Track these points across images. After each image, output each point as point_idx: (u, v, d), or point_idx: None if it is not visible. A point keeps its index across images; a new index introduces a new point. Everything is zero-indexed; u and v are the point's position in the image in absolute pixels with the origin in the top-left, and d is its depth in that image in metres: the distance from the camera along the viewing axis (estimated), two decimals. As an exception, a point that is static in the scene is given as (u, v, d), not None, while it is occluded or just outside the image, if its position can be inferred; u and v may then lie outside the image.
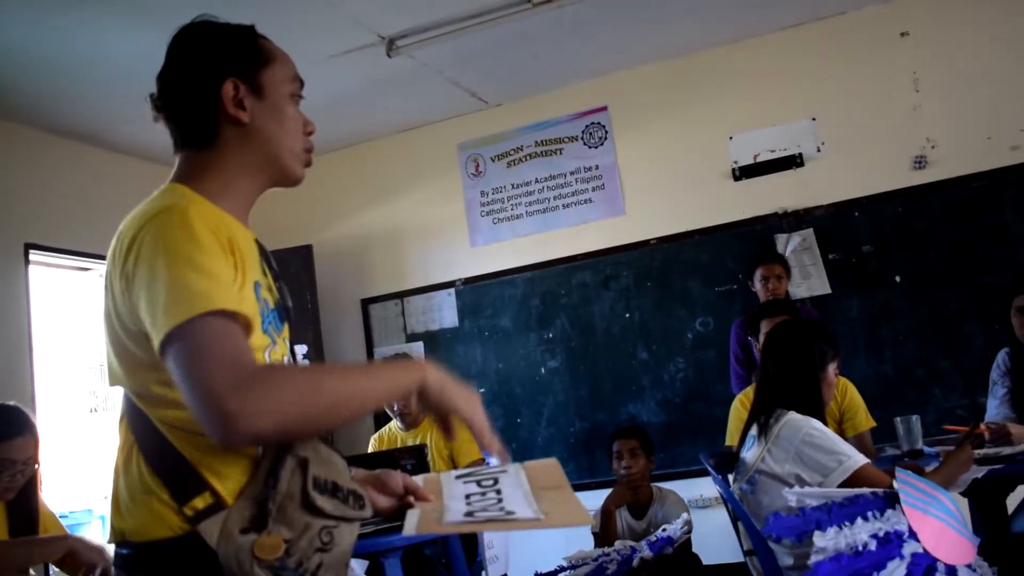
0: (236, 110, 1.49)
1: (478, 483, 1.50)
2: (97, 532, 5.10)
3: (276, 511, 1.31)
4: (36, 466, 3.12)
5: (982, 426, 3.08)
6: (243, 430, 1.20)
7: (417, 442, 4.33)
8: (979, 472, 2.66)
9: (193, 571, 1.30)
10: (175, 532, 1.32)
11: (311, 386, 1.28)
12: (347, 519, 1.38)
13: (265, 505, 1.31)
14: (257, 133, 1.51)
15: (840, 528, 2.38)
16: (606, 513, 4.15)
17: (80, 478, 5.33)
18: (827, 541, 2.35)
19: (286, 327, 1.56)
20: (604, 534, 4.09)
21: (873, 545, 2.35)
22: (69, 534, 3.13)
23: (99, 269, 5.32)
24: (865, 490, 2.49)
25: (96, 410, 5.62)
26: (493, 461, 1.61)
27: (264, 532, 1.29)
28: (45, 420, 4.79)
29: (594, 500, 4.58)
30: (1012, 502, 3.41)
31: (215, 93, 1.48)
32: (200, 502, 1.31)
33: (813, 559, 2.34)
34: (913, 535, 2.39)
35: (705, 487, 5.03)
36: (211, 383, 1.21)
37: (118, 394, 1.44)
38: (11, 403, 3.13)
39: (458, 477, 1.55)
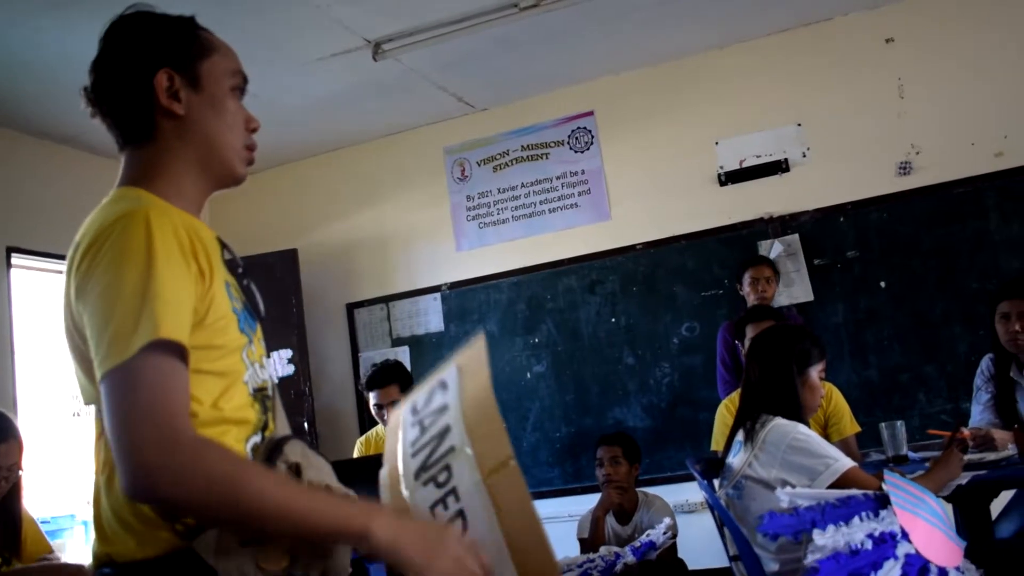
0: (170, 102, 1.43)
1: (435, 482, 1.35)
2: (80, 537, 5.07)
3: None
4: (20, 473, 3.08)
5: (964, 431, 3.10)
6: (154, 489, 1.17)
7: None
8: (963, 478, 2.68)
9: None
10: (166, 550, 1.26)
11: (236, 481, 1.19)
12: None
13: None
14: (194, 126, 1.45)
15: (838, 527, 2.39)
16: (595, 520, 4.15)
17: (63, 483, 5.30)
18: (826, 539, 2.35)
19: (259, 327, 1.50)
20: (592, 540, 4.09)
21: (869, 545, 2.36)
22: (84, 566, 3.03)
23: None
24: (856, 492, 2.50)
25: (79, 414, 5.59)
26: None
27: (266, 543, 1.25)
28: (27, 424, 4.76)
29: (578, 505, 4.59)
30: (996, 508, 3.43)
31: (148, 84, 1.42)
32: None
33: (811, 558, 2.34)
34: (905, 536, 2.41)
35: (691, 492, 5.04)
36: (138, 433, 1.17)
37: (91, 414, 1.38)
38: None
39: (416, 475, 1.38)
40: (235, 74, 1.52)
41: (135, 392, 1.19)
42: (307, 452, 1.37)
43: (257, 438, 1.39)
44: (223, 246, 1.48)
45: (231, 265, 1.48)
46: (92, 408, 1.37)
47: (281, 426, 1.48)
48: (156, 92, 1.42)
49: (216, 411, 1.33)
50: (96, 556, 1.33)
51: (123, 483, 1.18)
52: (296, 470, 1.31)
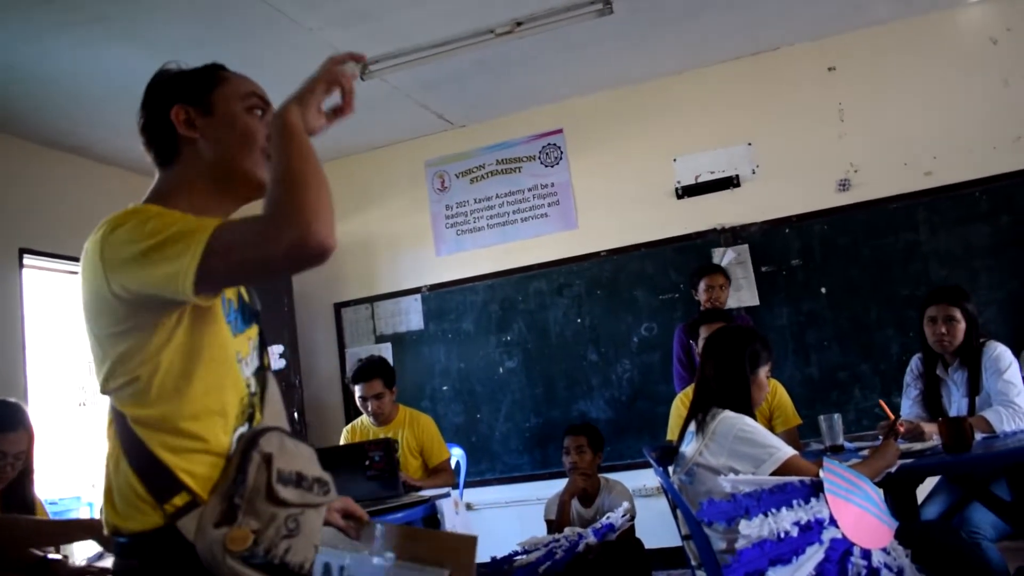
0: (187, 130, 1.53)
1: None
2: (85, 517, 5.02)
3: (245, 505, 1.34)
4: (30, 461, 3.06)
5: (902, 422, 3.15)
6: (326, 245, 1.27)
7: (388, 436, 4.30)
8: (892, 466, 2.71)
9: (176, 556, 1.35)
10: (158, 525, 1.36)
11: (315, 178, 1.30)
12: (312, 505, 1.42)
13: (234, 500, 1.35)
14: (211, 145, 1.54)
15: (765, 516, 2.41)
16: (562, 504, 4.16)
17: (69, 467, 5.25)
18: (752, 529, 2.37)
19: (254, 328, 1.58)
20: (558, 522, 4.10)
21: (795, 532, 2.38)
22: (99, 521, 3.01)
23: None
24: (793, 479, 2.52)
25: (84, 404, 5.54)
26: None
27: (235, 525, 1.33)
28: (37, 413, 4.70)
29: (546, 490, 4.60)
30: (922, 492, 3.48)
31: (167, 118, 1.53)
32: (179, 500, 1.36)
33: (738, 545, 2.37)
34: (833, 522, 2.43)
35: (648, 478, 5.06)
36: (281, 238, 1.25)
37: (106, 403, 1.47)
38: (10, 400, 3.07)
39: None
40: (249, 96, 1.60)
41: (237, 237, 1.28)
42: (284, 442, 1.43)
43: (244, 428, 1.46)
44: None
45: None
46: (105, 399, 1.45)
47: (270, 415, 1.54)
48: (175, 123, 1.53)
49: (198, 404, 1.41)
50: (108, 524, 1.43)
51: (309, 261, 1.30)
52: (268, 460, 1.38)
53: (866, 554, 2.40)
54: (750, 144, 5.46)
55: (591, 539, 3.69)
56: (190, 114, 1.53)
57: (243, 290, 1.58)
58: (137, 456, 1.38)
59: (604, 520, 3.81)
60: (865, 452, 2.96)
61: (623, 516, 3.83)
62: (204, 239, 1.27)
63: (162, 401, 1.38)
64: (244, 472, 1.36)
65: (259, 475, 1.36)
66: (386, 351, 6.08)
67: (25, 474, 3.06)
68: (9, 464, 2.94)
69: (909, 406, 3.59)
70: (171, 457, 1.37)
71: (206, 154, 1.53)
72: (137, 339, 1.37)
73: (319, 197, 1.27)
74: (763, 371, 2.89)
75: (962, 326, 3.38)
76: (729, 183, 5.45)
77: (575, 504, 4.21)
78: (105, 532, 1.44)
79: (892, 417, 3.00)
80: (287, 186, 1.27)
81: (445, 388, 5.98)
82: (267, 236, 1.25)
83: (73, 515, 4.92)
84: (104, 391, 1.44)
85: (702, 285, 4.76)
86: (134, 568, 1.40)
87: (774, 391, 3.92)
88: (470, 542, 1.68)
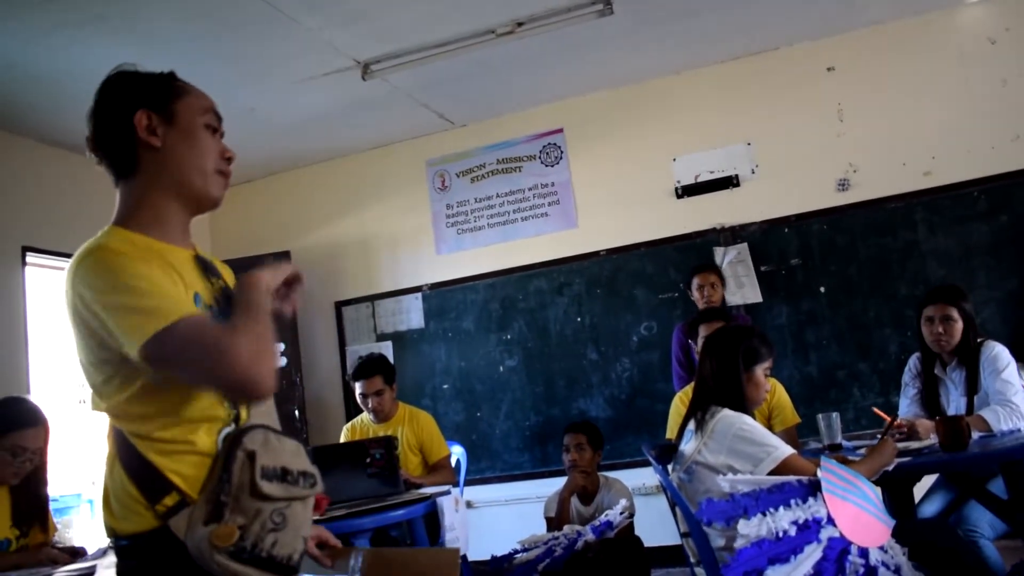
0: (148, 136, 1.53)
1: None
2: (86, 515, 5.04)
3: (232, 502, 1.39)
4: (45, 457, 3.12)
5: (900, 420, 3.15)
6: (265, 387, 1.35)
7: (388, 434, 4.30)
8: (889, 464, 2.72)
9: (172, 556, 1.39)
10: (152, 526, 1.41)
11: (263, 335, 1.39)
12: (297, 498, 1.46)
13: (220, 498, 1.39)
14: (170, 155, 1.55)
15: (764, 515, 2.41)
16: (561, 501, 4.17)
17: (70, 465, 5.26)
18: (750, 528, 2.38)
19: None
20: (557, 520, 4.10)
21: (793, 531, 2.39)
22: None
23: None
24: (791, 478, 2.52)
25: (85, 402, 5.54)
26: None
27: (222, 522, 1.37)
28: (38, 410, 4.70)
29: (545, 487, 4.59)
30: (919, 491, 3.48)
31: (129, 123, 1.53)
32: (169, 500, 1.40)
33: (737, 544, 2.37)
34: (831, 521, 2.43)
35: (647, 476, 5.07)
36: (221, 367, 1.31)
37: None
38: (25, 396, 3.13)
39: None
40: (207, 112, 1.61)
41: (185, 344, 1.33)
42: (267, 438, 1.46)
43: (229, 428, 1.50)
44: (204, 265, 1.60)
45: (212, 275, 1.61)
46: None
47: (256, 412, 1.57)
48: (136, 129, 1.53)
49: (181, 416, 1.45)
50: (106, 527, 1.48)
51: (243, 398, 1.45)
52: (252, 457, 1.41)
53: (864, 552, 2.41)
54: (749, 144, 5.46)
55: (590, 537, 3.70)
56: (152, 120, 1.54)
57: (220, 295, 1.60)
58: (129, 459, 1.43)
59: (603, 518, 3.81)
60: (863, 451, 2.97)
61: (622, 514, 3.84)
62: (174, 317, 1.33)
63: (149, 419, 1.43)
64: (229, 471, 1.40)
65: (243, 472, 1.40)
66: (387, 349, 6.08)
67: (39, 469, 3.11)
68: (28, 459, 3.02)
69: (907, 405, 3.59)
70: (160, 459, 1.42)
71: (164, 165, 1.55)
72: (114, 368, 1.42)
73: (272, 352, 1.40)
74: (760, 368, 2.89)
75: (959, 326, 3.38)
76: (728, 183, 5.46)
77: (574, 502, 4.22)
78: (106, 535, 1.48)
79: (888, 420, 3.02)
80: (256, 334, 1.38)
81: (445, 386, 5.98)
82: (222, 358, 1.32)
83: (73, 512, 4.94)
84: (95, 409, 1.49)
85: (695, 283, 4.78)
86: (133, 568, 1.45)
87: (773, 390, 3.92)
88: (452, 556, 1.69)
